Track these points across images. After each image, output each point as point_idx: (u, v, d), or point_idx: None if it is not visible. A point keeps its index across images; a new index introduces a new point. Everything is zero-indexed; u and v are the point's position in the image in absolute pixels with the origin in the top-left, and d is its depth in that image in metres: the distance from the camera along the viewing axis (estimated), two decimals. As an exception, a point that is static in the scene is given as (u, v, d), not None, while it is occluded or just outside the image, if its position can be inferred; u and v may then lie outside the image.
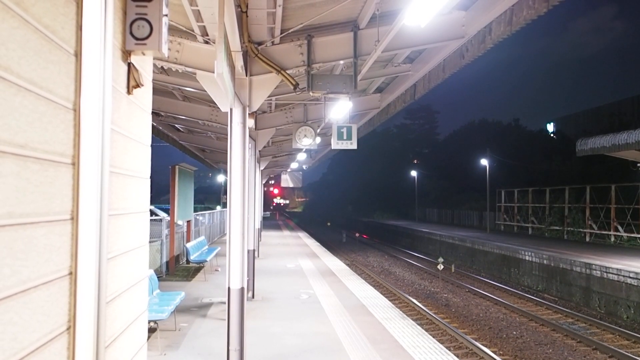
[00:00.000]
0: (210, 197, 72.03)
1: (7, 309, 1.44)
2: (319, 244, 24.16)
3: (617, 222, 21.57)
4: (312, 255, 18.18)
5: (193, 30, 5.82)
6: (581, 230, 23.78)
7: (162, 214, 15.19)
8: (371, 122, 13.32)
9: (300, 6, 5.90)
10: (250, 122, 6.74)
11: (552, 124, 50.66)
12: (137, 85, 2.55)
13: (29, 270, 1.56)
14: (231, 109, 5.76)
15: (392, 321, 8.31)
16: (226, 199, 6.16)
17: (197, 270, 13.63)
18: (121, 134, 2.40)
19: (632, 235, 20.42)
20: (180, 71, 6.55)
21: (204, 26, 5.50)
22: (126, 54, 2.46)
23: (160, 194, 47.67)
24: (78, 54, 1.93)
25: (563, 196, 25.75)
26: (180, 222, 14.24)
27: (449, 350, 7.20)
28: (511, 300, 15.43)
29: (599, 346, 10.34)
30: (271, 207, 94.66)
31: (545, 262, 17.35)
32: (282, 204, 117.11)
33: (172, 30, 5.95)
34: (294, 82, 6.38)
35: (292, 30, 6.19)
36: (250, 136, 8.89)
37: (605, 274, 14.12)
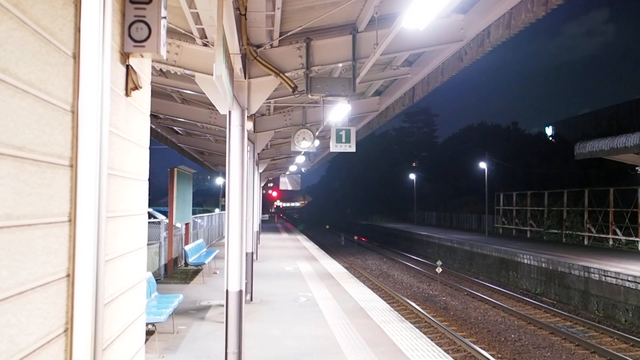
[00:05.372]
0: (209, 199, 72.09)
1: (5, 311, 1.44)
2: (317, 247, 24.13)
3: (616, 225, 21.57)
4: (310, 258, 18.16)
5: (192, 33, 5.83)
6: (579, 233, 23.78)
7: (161, 217, 15.18)
8: (370, 125, 13.33)
9: (299, 9, 5.91)
10: (249, 125, 6.73)
11: (550, 127, 50.82)
12: (136, 88, 2.55)
13: (27, 272, 1.56)
14: (230, 112, 5.76)
15: (390, 324, 8.30)
16: (225, 201, 6.15)
17: (196, 272, 13.61)
18: (119, 136, 2.40)
19: (631, 238, 20.41)
20: (179, 74, 6.57)
21: (203, 29, 5.51)
22: (124, 56, 2.46)
23: (159, 197, 47.66)
24: (76, 56, 1.93)
25: (561, 199, 25.78)
26: (178, 225, 14.23)
27: (447, 353, 7.19)
28: (509, 303, 15.42)
29: (597, 349, 10.33)
30: (271, 210, 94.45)
31: (543, 265, 17.35)
32: (280, 207, 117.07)
33: (171, 32, 5.95)
34: (292, 85, 6.38)
35: (291, 33, 6.20)
36: (248, 139, 8.90)
37: (603, 277, 14.11)
